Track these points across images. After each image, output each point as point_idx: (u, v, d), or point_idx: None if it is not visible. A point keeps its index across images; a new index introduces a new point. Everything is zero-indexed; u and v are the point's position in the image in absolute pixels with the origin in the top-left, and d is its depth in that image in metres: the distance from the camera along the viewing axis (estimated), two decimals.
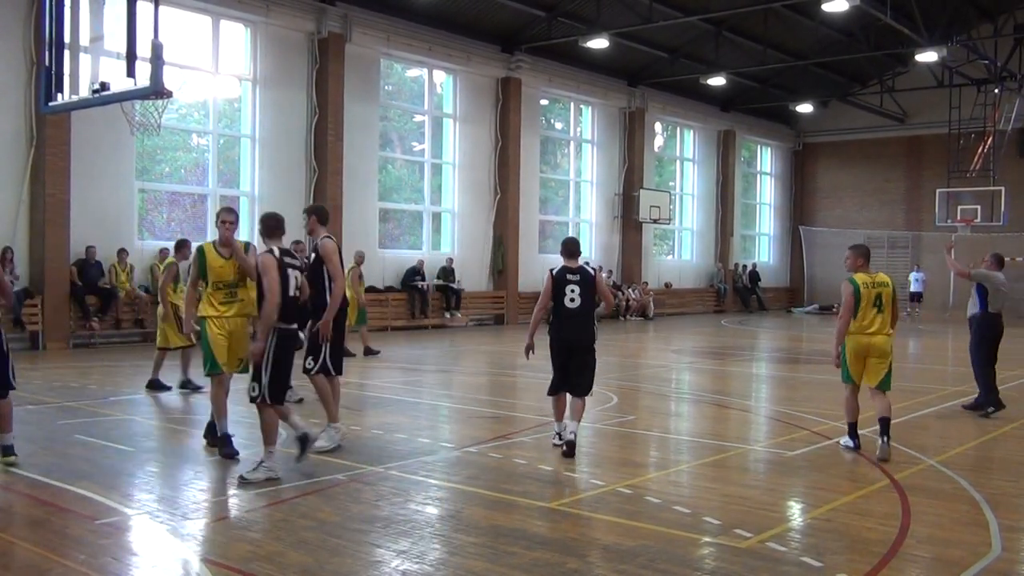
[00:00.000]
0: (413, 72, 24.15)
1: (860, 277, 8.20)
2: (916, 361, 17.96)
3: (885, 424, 8.04)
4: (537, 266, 26.14)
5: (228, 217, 7.98)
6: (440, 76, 24.20)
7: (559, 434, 8.16)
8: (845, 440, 8.40)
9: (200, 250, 8.02)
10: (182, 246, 11.70)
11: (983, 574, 5.09)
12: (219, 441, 7.71)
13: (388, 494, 6.66)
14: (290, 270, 7.06)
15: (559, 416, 8.21)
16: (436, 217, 24.34)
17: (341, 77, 20.65)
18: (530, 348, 8.19)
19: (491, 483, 6.90)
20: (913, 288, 32.00)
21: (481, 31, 23.75)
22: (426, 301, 22.44)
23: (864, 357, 8.18)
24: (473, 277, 24.26)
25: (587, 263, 8.30)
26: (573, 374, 7.99)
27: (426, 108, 23.89)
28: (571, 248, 8.20)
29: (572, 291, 7.92)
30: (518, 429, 9.30)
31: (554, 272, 8.08)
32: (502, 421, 9.91)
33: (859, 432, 8.32)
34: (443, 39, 22.79)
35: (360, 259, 15.44)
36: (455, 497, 6.57)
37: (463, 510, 6.27)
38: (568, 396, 8.12)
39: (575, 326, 7.95)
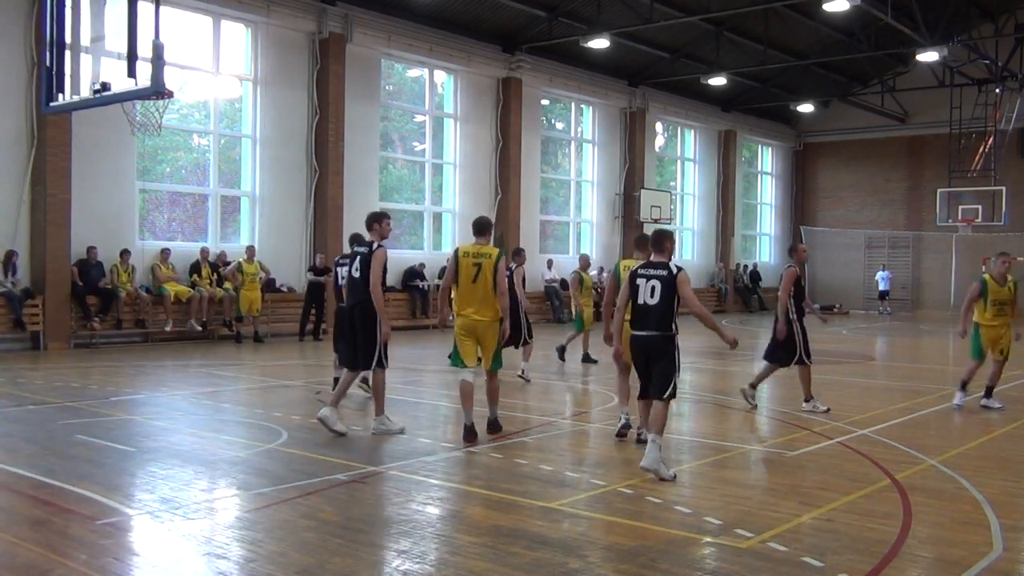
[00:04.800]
0: (414, 72, 24.16)
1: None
2: (916, 361, 17.94)
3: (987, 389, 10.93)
4: (538, 266, 26.15)
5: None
6: (441, 76, 24.20)
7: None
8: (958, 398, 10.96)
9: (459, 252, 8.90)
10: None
11: (984, 574, 5.08)
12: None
13: (389, 494, 6.67)
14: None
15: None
16: (437, 217, 24.34)
17: (342, 77, 20.65)
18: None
19: (492, 483, 6.90)
20: (881, 287, 32.33)
21: (482, 31, 23.75)
22: (427, 301, 22.41)
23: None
24: None
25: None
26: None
27: (427, 108, 23.89)
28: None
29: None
30: (518, 429, 9.29)
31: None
32: (502, 421, 9.89)
33: (857, 433, 8.49)
34: (444, 39, 22.79)
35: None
36: (456, 497, 6.57)
37: (464, 510, 6.27)
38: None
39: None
